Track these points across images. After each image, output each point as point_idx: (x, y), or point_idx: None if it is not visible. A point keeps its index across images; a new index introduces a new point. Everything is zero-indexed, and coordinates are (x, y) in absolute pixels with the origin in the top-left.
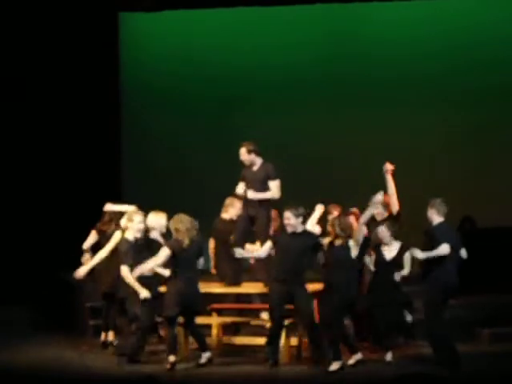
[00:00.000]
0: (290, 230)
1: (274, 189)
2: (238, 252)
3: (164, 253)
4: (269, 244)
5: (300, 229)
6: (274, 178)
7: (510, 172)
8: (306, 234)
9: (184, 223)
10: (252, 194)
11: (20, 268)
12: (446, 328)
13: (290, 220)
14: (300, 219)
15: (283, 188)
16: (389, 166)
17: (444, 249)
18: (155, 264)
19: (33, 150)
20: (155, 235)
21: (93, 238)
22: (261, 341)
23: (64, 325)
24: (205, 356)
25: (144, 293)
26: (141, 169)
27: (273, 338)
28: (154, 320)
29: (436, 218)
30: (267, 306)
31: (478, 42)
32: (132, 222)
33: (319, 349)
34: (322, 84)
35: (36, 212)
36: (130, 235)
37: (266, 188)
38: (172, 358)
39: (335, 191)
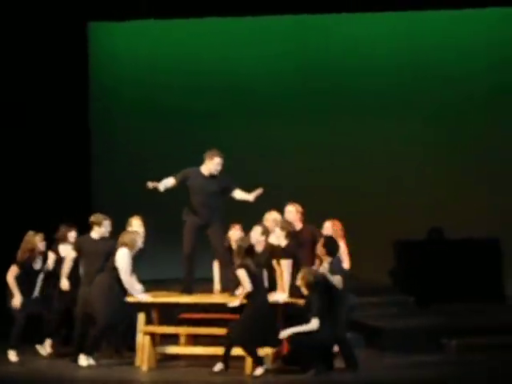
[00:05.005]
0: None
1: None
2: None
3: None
4: None
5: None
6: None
7: (481, 184)
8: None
9: None
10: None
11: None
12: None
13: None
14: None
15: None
16: None
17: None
18: None
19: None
20: None
21: None
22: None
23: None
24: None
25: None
26: (109, 175)
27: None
28: None
29: None
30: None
31: (462, 52)
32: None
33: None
34: (297, 94)
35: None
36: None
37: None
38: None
39: (315, 201)
